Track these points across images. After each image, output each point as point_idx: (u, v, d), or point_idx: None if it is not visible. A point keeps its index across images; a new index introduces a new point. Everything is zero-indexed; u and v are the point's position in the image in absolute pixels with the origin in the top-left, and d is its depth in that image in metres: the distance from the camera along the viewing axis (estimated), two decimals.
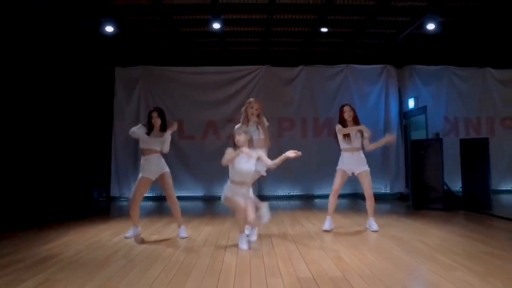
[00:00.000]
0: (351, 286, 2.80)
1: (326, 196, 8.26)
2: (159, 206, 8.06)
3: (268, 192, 8.76)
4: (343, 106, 5.14)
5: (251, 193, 4.26)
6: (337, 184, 5.11)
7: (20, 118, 6.81)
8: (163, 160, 4.75)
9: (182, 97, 9.05)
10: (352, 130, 4.98)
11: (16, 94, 6.73)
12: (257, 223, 4.38)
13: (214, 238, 4.60)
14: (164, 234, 4.92)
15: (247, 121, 4.73)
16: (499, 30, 7.87)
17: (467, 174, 6.91)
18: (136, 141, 8.81)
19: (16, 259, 3.71)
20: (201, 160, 8.78)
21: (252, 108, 4.73)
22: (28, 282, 2.99)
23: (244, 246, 4.04)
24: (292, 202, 8.32)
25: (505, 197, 8.57)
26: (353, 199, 8.50)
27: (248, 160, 4.10)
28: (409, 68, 9.33)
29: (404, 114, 9.36)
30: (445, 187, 6.92)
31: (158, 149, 4.70)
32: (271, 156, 4.69)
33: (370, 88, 9.38)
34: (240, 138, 4.12)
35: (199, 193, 8.95)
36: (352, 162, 4.99)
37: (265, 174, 4.63)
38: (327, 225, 5.06)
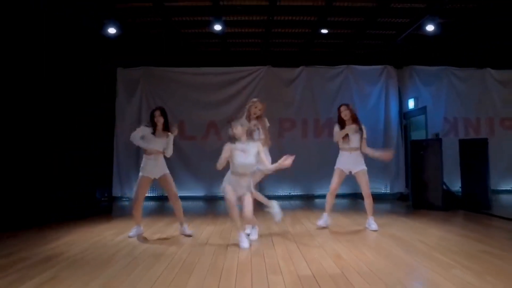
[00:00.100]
0: (350, 284, 2.87)
1: (325, 196, 8.39)
2: (160, 206, 8.13)
3: (268, 192, 8.81)
4: (340, 106, 5.20)
5: (251, 185, 4.30)
6: (334, 184, 5.18)
7: (20, 118, 6.82)
8: (164, 160, 4.83)
9: (183, 98, 9.11)
10: (348, 130, 5.02)
11: (16, 94, 6.74)
12: (254, 220, 4.44)
13: (216, 237, 4.67)
14: (167, 233, 4.99)
15: (248, 120, 4.79)
16: (498, 30, 7.91)
17: (466, 174, 6.97)
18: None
19: (22, 257, 3.77)
20: (202, 160, 8.83)
21: (256, 107, 4.79)
22: (35, 280, 3.06)
23: (244, 244, 4.08)
24: (292, 202, 8.38)
25: (504, 197, 8.61)
26: (353, 199, 8.55)
27: (248, 152, 4.16)
28: (409, 68, 9.37)
29: (404, 115, 9.41)
30: (444, 187, 6.97)
31: (161, 149, 4.77)
32: (272, 156, 4.78)
33: (370, 88, 9.42)
34: (237, 130, 4.18)
35: (200, 193, 9.01)
36: (350, 161, 5.05)
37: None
38: (322, 221, 5.16)
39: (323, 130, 9.25)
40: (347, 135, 5.04)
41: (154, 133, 4.71)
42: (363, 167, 5.06)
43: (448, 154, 7.35)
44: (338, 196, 8.30)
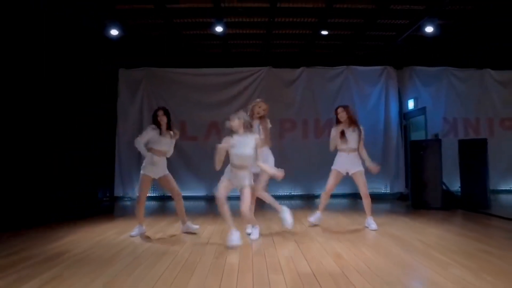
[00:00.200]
0: (349, 282, 2.92)
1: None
2: (161, 206, 8.19)
3: (269, 192, 8.85)
4: (337, 108, 5.26)
5: (249, 179, 4.32)
6: (330, 184, 5.25)
7: (20, 118, 6.82)
8: (166, 161, 4.93)
9: (184, 98, 9.17)
10: (339, 130, 5.11)
11: (16, 94, 6.74)
12: (253, 219, 4.48)
13: (217, 237, 4.72)
14: (169, 233, 5.04)
15: (251, 119, 4.84)
16: (497, 31, 7.94)
17: (465, 174, 7.02)
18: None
19: (26, 256, 3.83)
20: (203, 160, 8.87)
21: (259, 107, 4.84)
22: (40, 278, 3.11)
23: (233, 242, 4.07)
24: (293, 202, 8.43)
25: (504, 197, 8.66)
26: (353, 198, 8.61)
27: (245, 144, 4.21)
28: (409, 69, 9.43)
29: (404, 115, 9.47)
30: (443, 187, 7.03)
31: (167, 150, 4.84)
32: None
33: (371, 89, 9.48)
34: (234, 123, 4.25)
35: (201, 192, 9.06)
36: (348, 162, 5.11)
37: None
38: (313, 218, 5.26)
39: (324, 131, 9.30)
40: (344, 136, 5.07)
41: (160, 133, 4.77)
42: (360, 168, 5.11)
43: (448, 154, 7.41)
44: (338, 196, 8.49)
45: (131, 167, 9.03)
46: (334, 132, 5.21)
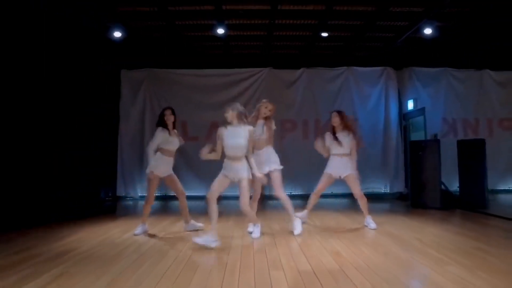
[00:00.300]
0: (348, 278, 3.01)
1: (326, 196, 8.53)
2: (164, 205, 8.27)
3: (269, 191, 8.95)
4: (331, 112, 5.37)
5: (246, 171, 4.31)
6: (321, 186, 5.39)
7: (20, 118, 6.80)
8: None
9: (186, 99, 9.24)
10: (333, 137, 5.23)
11: (16, 94, 6.72)
12: (253, 215, 4.54)
13: (219, 235, 4.77)
14: (172, 231, 5.14)
15: (256, 119, 4.92)
16: (496, 31, 8.00)
17: (464, 174, 7.10)
18: (141, 142, 9.15)
19: (33, 254, 3.93)
20: (204, 160, 8.97)
21: (266, 108, 4.91)
22: (47, 275, 3.21)
23: (204, 242, 4.09)
24: (293, 202, 8.46)
25: (502, 197, 8.73)
26: (353, 198, 8.67)
27: (237, 135, 4.27)
28: (409, 70, 9.49)
29: (404, 116, 9.54)
30: (442, 186, 7.11)
31: (175, 149, 4.97)
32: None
33: (371, 89, 9.55)
34: (228, 114, 4.32)
35: (202, 192, 9.10)
36: (341, 166, 5.20)
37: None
38: (300, 214, 5.37)
39: (324, 131, 9.35)
40: (337, 140, 5.18)
41: (169, 133, 4.87)
42: (352, 171, 5.18)
43: (447, 154, 7.50)
44: (338, 196, 8.58)
45: (133, 167, 9.14)
46: (328, 137, 5.31)
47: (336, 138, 5.19)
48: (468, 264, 3.35)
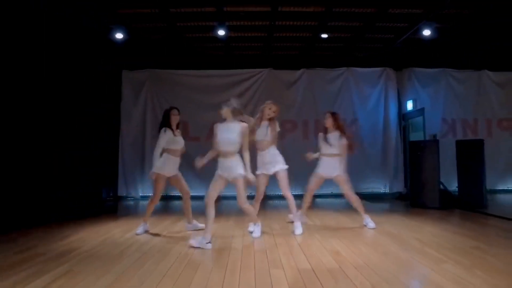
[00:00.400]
0: (346, 277, 3.07)
1: (326, 196, 8.61)
2: (164, 205, 8.32)
3: (270, 191, 8.99)
4: (325, 113, 5.45)
5: (239, 169, 4.26)
6: (311, 186, 5.46)
7: (20, 118, 6.81)
8: None
9: (187, 100, 9.29)
10: (324, 137, 5.34)
11: (16, 94, 6.73)
12: (253, 214, 4.54)
13: (219, 235, 4.86)
14: (173, 231, 5.19)
15: (260, 120, 4.96)
16: (494, 32, 8.04)
17: (463, 174, 7.15)
18: (142, 143, 9.20)
19: (37, 253, 4.00)
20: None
21: (270, 109, 4.96)
22: (52, 273, 3.27)
23: (197, 244, 4.13)
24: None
25: (501, 197, 8.77)
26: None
27: (230, 130, 4.30)
28: (408, 70, 9.55)
29: (403, 116, 9.59)
30: (441, 186, 7.16)
31: (181, 148, 5.01)
32: None
33: (370, 90, 9.61)
34: (222, 110, 4.36)
35: (202, 192, 9.13)
36: (330, 166, 5.27)
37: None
38: (292, 216, 5.32)
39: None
40: (327, 141, 5.27)
41: (173, 133, 4.92)
42: (341, 173, 5.24)
43: (447, 154, 7.55)
44: (338, 196, 8.62)
45: (135, 167, 9.20)
46: (321, 136, 5.41)
47: (326, 139, 5.27)
48: (467, 263, 3.40)
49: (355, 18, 7.50)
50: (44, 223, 5.78)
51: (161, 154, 4.92)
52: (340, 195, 8.81)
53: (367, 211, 5.41)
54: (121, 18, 7.39)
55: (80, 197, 7.95)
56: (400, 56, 9.43)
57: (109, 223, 5.87)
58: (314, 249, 4.05)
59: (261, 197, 5.12)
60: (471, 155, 7.01)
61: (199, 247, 4.12)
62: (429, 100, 9.34)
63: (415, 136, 9.06)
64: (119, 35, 7.58)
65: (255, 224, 4.74)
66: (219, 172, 4.36)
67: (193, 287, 2.91)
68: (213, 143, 4.42)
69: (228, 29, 7.61)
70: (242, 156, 4.34)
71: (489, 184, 7.89)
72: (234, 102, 4.38)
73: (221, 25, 7.39)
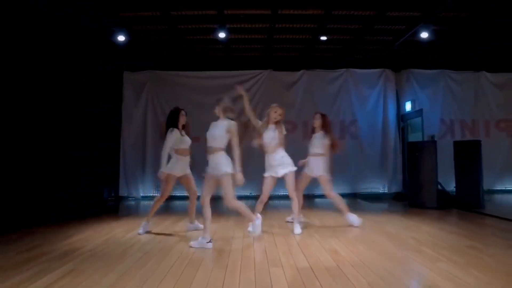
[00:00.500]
0: (343, 275, 3.16)
1: (325, 196, 8.65)
2: (165, 205, 8.35)
3: (270, 191, 9.09)
4: (315, 114, 5.56)
5: (225, 167, 4.22)
6: (298, 185, 5.47)
7: (20, 119, 6.82)
8: None
9: (188, 100, 9.33)
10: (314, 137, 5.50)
11: (16, 94, 6.74)
12: (246, 212, 4.46)
13: (220, 234, 4.95)
14: (174, 231, 5.28)
15: (267, 123, 5.04)
16: (493, 33, 8.12)
17: (460, 175, 7.22)
18: (143, 143, 9.29)
19: (42, 252, 4.08)
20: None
21: (275, 112, 5.02)
22: (57, 271, 3.36)
23: (196, 245, 4.21)
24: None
25: (499, 197, 8.85)
26: (352, 198, 8.86)
27: (217, 126, 4.37)
28: (407, 72, 9.63)
29: (402, 117, 9.68)
30: (439, 187, 7.24)
31: (189, 147, 5.07)
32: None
33: (369, 91, 9.70)
34: (215, 110, 4.43)
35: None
36: (314, 165, 5.38)
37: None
38: (290, 218, 5.51)
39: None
40: (311, 140, 5.44)
41: (180, 133, 4.99)
42: (323, 172, 5.35)
43: (445, 155, 7.62)
44: (339, 195, 8.69)
45: (136, 168, 9.29)
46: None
47: (312, 139, 5.45)
48: (460, 261, 3.48)
49: (354, 20, 7.59)
50: (45, 223, 5.85)
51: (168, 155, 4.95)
52: (339, 195, 8.95)
53: (367, 211, 5.50)
54: (123, 21, 7.47)
55: (80, 197, 7.97)
56: (399, 58, 9.51)
57: (111, 223, 5.95)
58: (313, 248, 4.13)
59: (266, 199, 5.16)
60: (468, 156, 7.09)
61: (199, 247, 4.20)
62: (428, 101, 9.43)
63: (414, 136, 9.14)
64: (121, 38, 7.65)
65: (254, 221, 4.63)
66: (208, 170, 4.36)
67: (195, 285, 2.99)
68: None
69: (229, 31, 7.70)
70: (236, 155, 4.29)
71: (487, 184, 7.97)
72: (227, 100, 4.44)
73: (221, 28, 7.48)
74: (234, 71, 9.52)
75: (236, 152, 4.25)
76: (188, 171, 5.13)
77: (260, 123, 5.09)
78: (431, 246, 4.11)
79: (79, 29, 7.56)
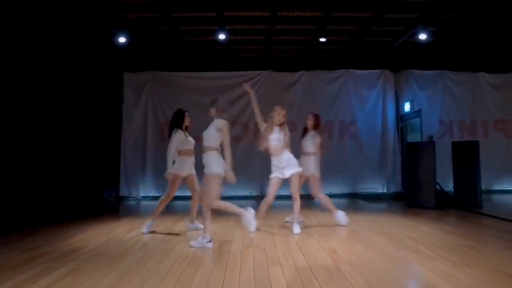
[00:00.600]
0: (341, 273, 3.21)
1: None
2: (166, 205, 8.44)
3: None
4: (308, 114, 5.71)
5: (213, 166, 4.25)
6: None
7: (20, 119, 6.84)
8: None
9: (188, 101, 9.36)
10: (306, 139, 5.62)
11: (16, 94, 6.76)
12: (232, 208, 4.45)
13: (220, 234, 5.00)
14: (175, 230, 5.33)
15: (271, 126, 5.09)
16: (491, 34, 8.17)
17: (458, 175, 7.27)
18: (144, 144, 9.34)
19: (44, 251, 4.13)
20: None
21: (279, 115, 5.05)
22: (60, 270, 3.42)
23: (195, 245, 4.27)
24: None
25: (497, 197, 8.91)
26: (352, 198, 8.91)
27: (210, 127, 4.41)
28: (406, 72, 9.69)
29: (401, 117, 9.73)
30: (437, 187, 7.29)
31: (193, 147, 5.12)
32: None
33: (369, 92, 9.75)
34: (210, 111, 4.47)
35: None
36: (304, 164, 5.44)
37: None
38: (289, 218, 5.61)
39: (323, 133, 9.54)
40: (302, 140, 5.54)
41: (185, 134, 5.05)
42: (315, 171, 5.43)
43: (444, 155, 7.68)
44: (337, 195, 8.77)
45: (136, 168, 9.35)
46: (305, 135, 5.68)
47: (304, 138, 5.57)
48: (455, 260, 3.54)
49: (352, 22, 7.65)
50: (45, 223, 5.90)
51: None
52: (338, 195, 9.04)
53: (366, 211, 5.54)
54: (124, 22, 7.52)
55: (81, 197, 8.00)
56: (398, 59, 9.57)
57: (112, 223, 6.00)
58: (312, 248, 4.18)
59: (272, 200, 5.17)
60: (466, 156, 7.14)
61: (200, 247, 4.25)
62: (427, 102, 9.49)
63: (413, 137, 9.19)
64: (122, 39, 7.70)
65: (246, 214, 4.54)
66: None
67: (195, 284, 3.04)
68: None
69: (229, 32, 7.75)
70: (227, 153, 4.32)
71: (485, 185, 8.02)
72: (221, 101, 4.48)
73: (221, 29, 7.53)
74: (234, 72, 9.59)
75: (227, 150, 4.31)
76: (193, 171, 5.18)
77: (264, 125, 5.13)
78: (428, 245, 4.16)
79: (79, 29, 7.59)
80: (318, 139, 5.50)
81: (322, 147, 5.57)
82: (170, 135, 5.01)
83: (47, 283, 3.09)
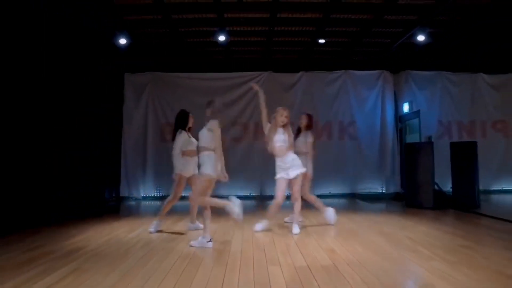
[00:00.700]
0: (339, 273, 3.25)
1: (324, 196, 8.75)
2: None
3: (270, 192, 9.17)
4: (301, 114, 5.84)
5: (204, 166, 4.31)
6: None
7: (20, 119, 6.85)
8: None
9: (188, 102, 9.35)
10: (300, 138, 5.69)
11: (17, 94, 6.77)
12: (215, 202, 4.47)
13: (220, 234, 5.04)
14: (175, 230, 5.36)
15: (275, 127, 5.11)
16: (490, 35, 8.21)
17: (457, 175, 7.31)
18: (144, 144, 9.38)
19: (45, 251, 4.17)
20: None
21: (282, 115, 5.07)
22: (62, 270, 3.45)
23: (196, 244, 4.31)
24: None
25: (495, 197, 8.95)
26: (351, 199, 8.95)
27: (205, 128, 4.44)
28: (405, 73, 9.73)
29: (400, 118, 9.77)
30: (436, 187, 7.32)
31: (196, 148, 5.13)
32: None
33: (368, 92, 9.80)
34: (206, 111, 4.50)
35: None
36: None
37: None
38: (289, 218, 5.68)
39: (322, 133, 9.62)
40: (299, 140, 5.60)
41: (188, 135, 5.08)
42: (308, 171, 5.47)
43: (443, 156, 7.71)
44: (336, 195, 8.82)
45: (136, 169, 9.38)
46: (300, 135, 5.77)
47: (298, 139, 5.62)
48: (452, 260, 3.58)
49: (352, 23, 7.69)
50: (45, 223, 5.92)
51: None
52: (338, 195, 9.08)
53: (365, 211, 5.57)
54: (125, 24, 7.55)
55: (81, 198, 8.03)
56: (397, 60, 9.61)
57: (113, 223, 6.03)
58: (311, 247, 4.22)
59: (282, 201, 5.15)
60: (464, 157, 7.18)
61: (200, 247, 4.29)
62: (426, 103, 9.53)
63: (412, 138, 9.23)
64: (122, 41, 7.73)
65: (230, 203, 4.44)
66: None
67: (195, 283, 3.07)
68: None
69: (229, 34, 7.80)
70: (218, 152, 4.38)
71: (484, 185, 8.07)
72: (217, 102, 4.51)
73: (221, 31, 7.57)
74: (234, 73, 9.64)
75: (218, 150, 4.37)
76: (196, 172, 5.20)
77: (269, 125, 5.16)
78: (426, 245, 4.20)
79: (79, 29, 7.61)
80: (310, 139, 5.59)
81: (314, 147, 5.65)
82: (174, 137, 5.05)
83: (48, 283, 3.11)
